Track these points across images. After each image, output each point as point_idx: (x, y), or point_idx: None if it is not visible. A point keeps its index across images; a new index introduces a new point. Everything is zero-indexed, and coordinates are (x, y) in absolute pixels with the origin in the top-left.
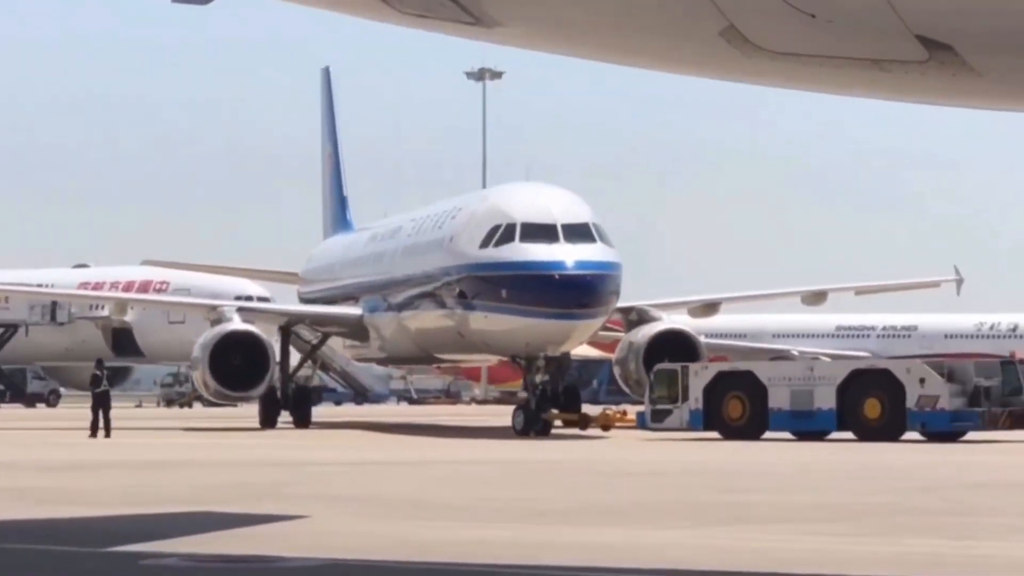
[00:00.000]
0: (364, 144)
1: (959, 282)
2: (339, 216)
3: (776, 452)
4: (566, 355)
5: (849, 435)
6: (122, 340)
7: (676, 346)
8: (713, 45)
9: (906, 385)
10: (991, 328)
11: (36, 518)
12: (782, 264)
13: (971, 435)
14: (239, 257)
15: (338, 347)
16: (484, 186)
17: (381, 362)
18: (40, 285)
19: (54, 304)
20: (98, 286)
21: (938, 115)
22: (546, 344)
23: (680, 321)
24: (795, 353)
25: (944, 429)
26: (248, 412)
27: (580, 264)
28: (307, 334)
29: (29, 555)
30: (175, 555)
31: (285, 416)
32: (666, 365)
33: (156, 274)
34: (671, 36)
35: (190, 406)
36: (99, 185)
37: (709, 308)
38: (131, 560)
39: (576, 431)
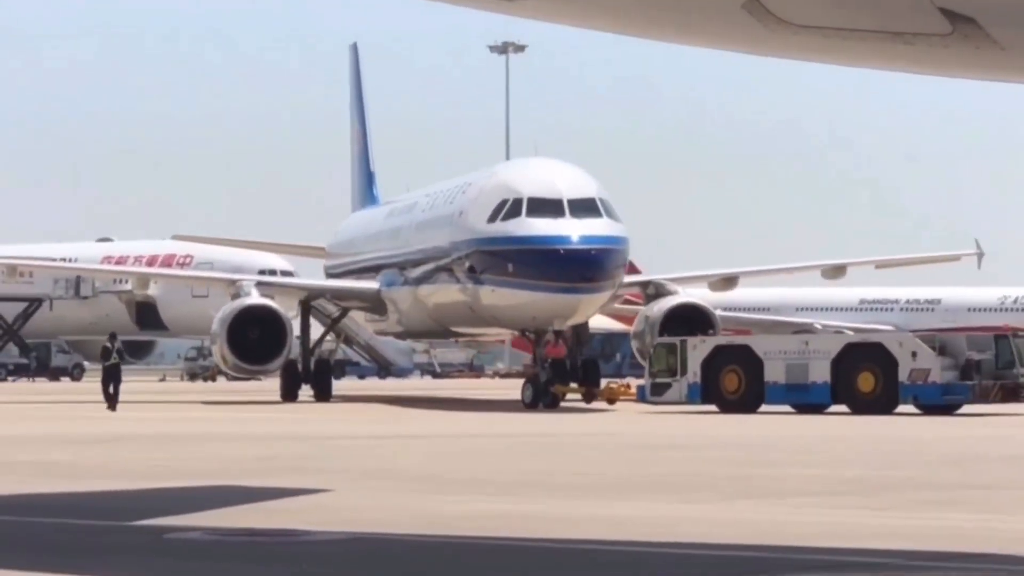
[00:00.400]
0: (388, 118)
1: (980, 256)
2: (366, 191)
3: (779, 425)
4: (585, 328)
5: (843, 408)
6: (146, 314)
7: (692, 319)
8: (736, 18)
9: (898, 359)
10: (1015, 301)
11: (60, 492)
12: (803, 238)
13: (966, 408)
14: (269, 231)
15: (363, 321)
16: (507, 159)
17: (399, 336)
18: (64, 259)
19: (78, 278)
20: (122, 260)
21: (960, 88)
22: (552, 318)
23: (698, 295)
24: (818, 327)
25: (935, 402)
26: (270, 386)
27: (585, 239)
28: (330, 308)
29: (54, 529)
30: (199, 528)
31: (307, 389)
32: (665, 339)
33: (180, 248)
34: (694, 9)
35: (214, 380)
36: (125, 160)
37: (728, 282)
38: (155, 534)
39: (586, 404)
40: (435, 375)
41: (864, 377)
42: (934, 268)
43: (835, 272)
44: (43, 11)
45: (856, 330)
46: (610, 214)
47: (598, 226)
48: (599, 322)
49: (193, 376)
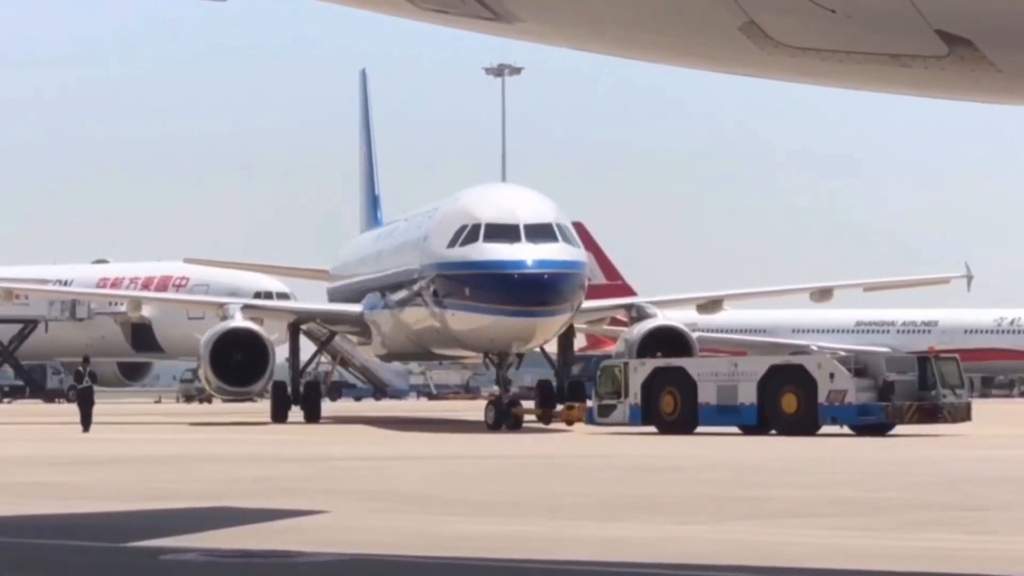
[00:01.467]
0: (388, 140)
1: (969, 279)
2: (371, 214)
3: (766, 447)
4: (571, 350)
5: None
6: (142, 336)
7: (670, 341)
8: (733, 40)
9: (818, 380)
10: (1011, 323)
11: (55, 513)
12: (800, 259)
13: (899, 428)
14: (281, 254)
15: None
16: (504, 181)
17: (384, 358)
18: (59, 280)
19: (74, 300)
20: (117, 282)
21: (955, 110)
22: (510, 341)
23: (676, 318)
24: (814, 348)
25: (851, 422)
26: (263, 408)
27: (540, 263)
28: (321, 331)
29: (49, 550)
30: (195, 550)
31: (297, 411)
32: (611, 362)
33: (175, 270)
34: (690, 31)
35: (209, 401)
36: (132, 181)
37: (713, 304)
38: (151, 555)
39: (544, 425)
40: (431, 396)
41: (788, 398)
42: (931, 290)
43: (822, 295)
44: (51, 29)
45: (850, 351)
46: (567, 239)
47: (553, 251)
48: (594, 344)
49: (189, 398)
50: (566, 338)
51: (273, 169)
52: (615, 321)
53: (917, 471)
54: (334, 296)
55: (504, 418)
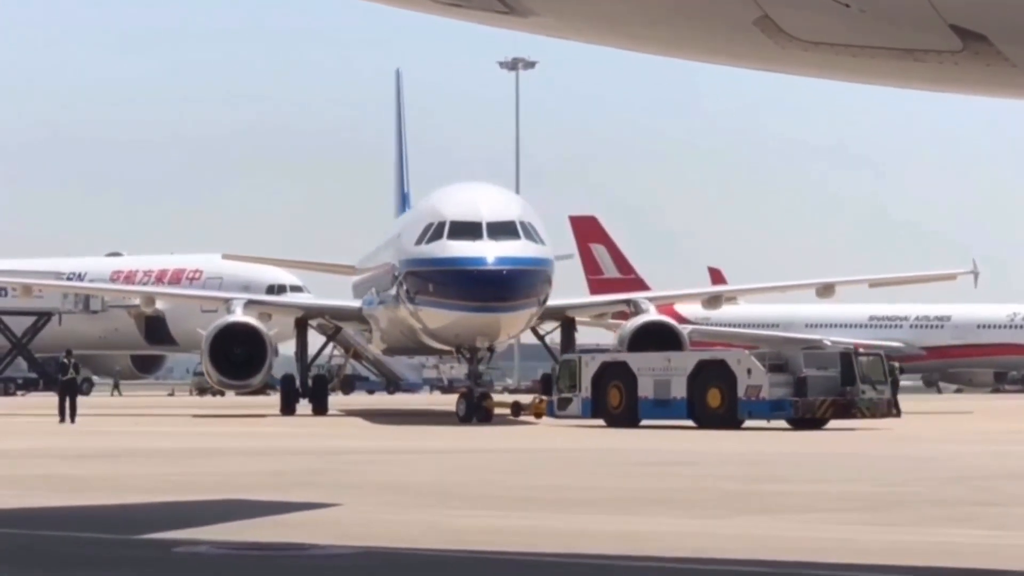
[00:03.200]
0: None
1: (976, 275)
2: (400, 211)
3: (775, 442)
4: (572, 344)
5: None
6: (155, 328)
7: (662, 335)
8: (747, 34)
9: (737, 376)
10: None
11: (68, 505)
12: (810, 254)
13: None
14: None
15: None
16: (517, 176)
17: (386, 352)
18: (73, 273)
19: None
20: (131, 275)
21: (967, 104)
22: (474, 336)
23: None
24: (827, 343)
25: (765, 417)
26: (274, 401)
27: (501, 260)
28: (329, 326)
29: (62, 542)
30: (207, 543)
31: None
32: (569, 356)
33: (188, 263)
34: (704, 25)
35: (222, 395)
36: (142, 175)
37: (715, 300)
38: (164, 547)
39: (513, 418)
40: (444, 390)
41: (712, 393)
42: (944, 285)
43: (825, 291)
44: (92, 18)
45: (865, 347)
46: (530, 236)
47: (514, 248)
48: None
49: (202, 391)
50: (567, 332)
51: (306, 163)
52: (623, 315)
53: (929, 467)
54: (356, 291)
55: (475, 411)
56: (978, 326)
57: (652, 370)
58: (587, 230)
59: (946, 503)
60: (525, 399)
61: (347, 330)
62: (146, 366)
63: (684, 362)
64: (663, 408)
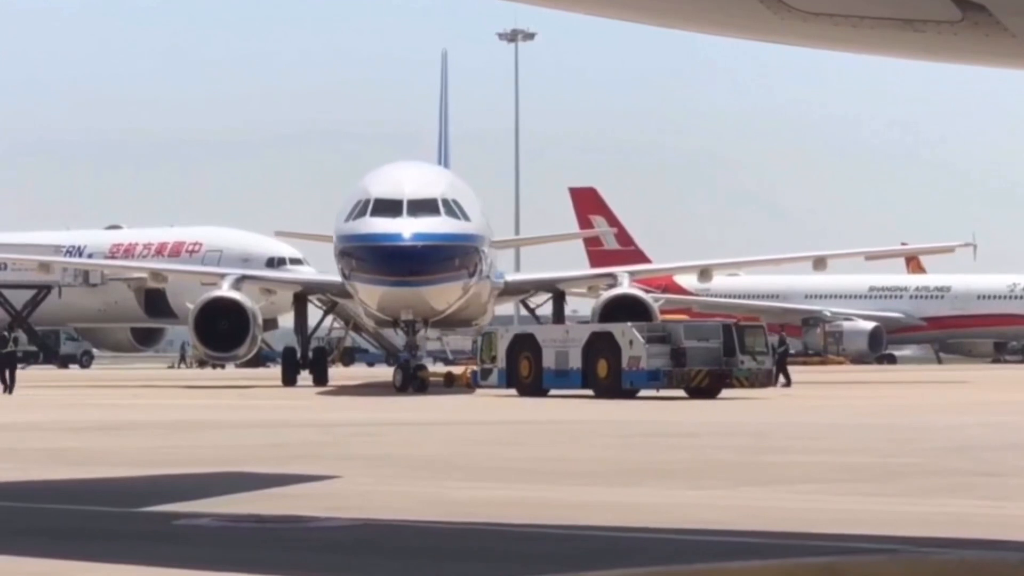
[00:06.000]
0: (398, 105)
1: (974, 247)
2: None
3: (778, 413)
4: (562, 317)
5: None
6: (155, 301)
7: (631, 308)
8: (747, 6)
9: (622, 347)
10: None
11: (69, 479)
12: (807, 227)
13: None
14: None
15: None
16: (516, 149)
17: (379, 323)
18: (73, 246)
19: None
20: (130, 248)
21: (967, 75)
22: (398, 309)
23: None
24: (827, 314)
25: (643, 386)
26: (274, 373)
27: (417, 236)
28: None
29: (63, 515)
30: (208, 515)
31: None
32: (489, 329)
33: (188, 235)
34: None
35: (223, 367)
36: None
37: (706, 272)
38: (165, 520)
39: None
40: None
41: (601, 364)
42: (943, 256)
43: (818, 264)
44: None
45: (868, 318)
46: (453, 213)
47: (432, 224)
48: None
49: (202, 363)
50: (558, 304)
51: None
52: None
53: (932, 437)
54: None
55: (411, 381)
56: (978, 297)
57: (554, 341)
58: (587, 202)
59: (945, 473)
60: (458, 370)
61: (345, 302)
62: (146, 339)
63: (580, 334)
64: (563, 378)
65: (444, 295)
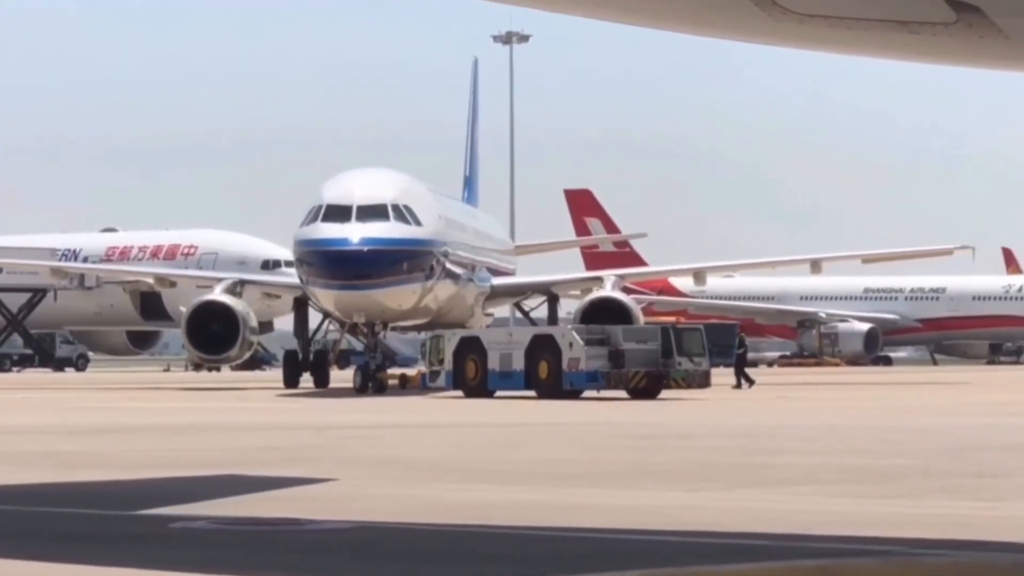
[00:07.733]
0: (392, 107)
1: (972, 249)
2: (464, 195)
3: (774, 414)
4: (556, 319)
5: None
6: (151, 305)
7: (611, 311)
8: (741, 8)
9: (562, 348)
10: (1019, 290)
11: (64, 481)
12: (804, 230)
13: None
14: None
15: None
16: (512, 152)
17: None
18: (68, 249)
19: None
20: (125, 251)
21: (963, 77)
22: (350, 311)
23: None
24: (822, 315)
25: (582, 387)
26: (274, 376)
27: (365, 240)
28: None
29: (58, 518)
30: (204, 518)
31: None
32: (436, 332)
33: (184, 239)
34: None
35: (218, 370)
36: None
37: (700, 275)
38: (161, 523)
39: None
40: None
41: (542, 365)
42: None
43: (813, 267)
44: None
45: (863, 319)
46: (402, 218)
47: (380, 229)
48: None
49: (197, 366)
50: (552, 306)
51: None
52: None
53: (926, 439)
54: None
55: (369, 382)
56: (973, 298)
57: (499, 344)
58: (582, 204)
59: (940, 475)
60: (412, 372)
61: None
62: (142, 342)
63: (523, 336)
64: (507, 380)
65: (397, 298)
